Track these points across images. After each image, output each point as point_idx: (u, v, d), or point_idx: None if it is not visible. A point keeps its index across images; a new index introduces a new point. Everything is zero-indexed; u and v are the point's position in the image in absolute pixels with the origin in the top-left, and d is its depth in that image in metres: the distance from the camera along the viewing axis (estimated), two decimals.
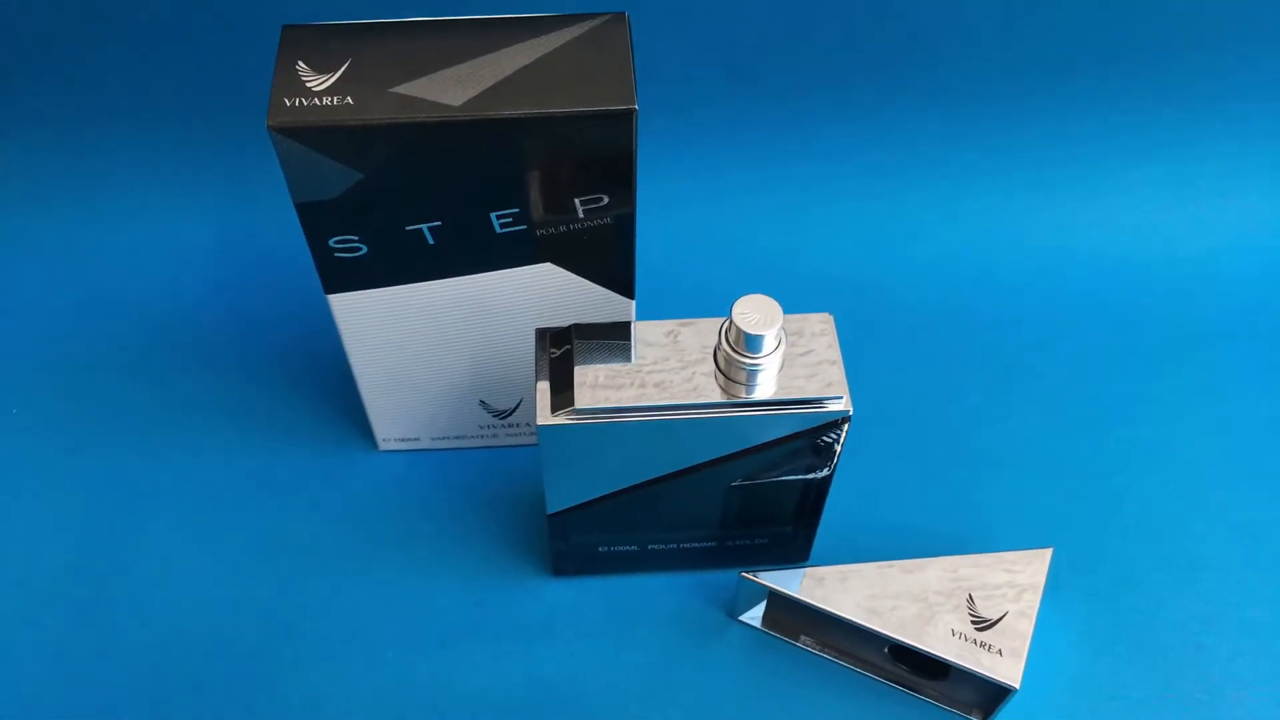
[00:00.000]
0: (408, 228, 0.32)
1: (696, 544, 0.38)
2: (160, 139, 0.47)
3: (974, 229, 0.48)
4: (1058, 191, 0.48)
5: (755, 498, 0.35)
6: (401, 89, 0.30)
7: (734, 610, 0.38)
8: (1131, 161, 0.48)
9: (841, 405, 0.31)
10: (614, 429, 0.31)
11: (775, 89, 0.46)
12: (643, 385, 0.31)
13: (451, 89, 0.30)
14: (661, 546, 0.38)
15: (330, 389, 0.44)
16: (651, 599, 0.38)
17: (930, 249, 0.48)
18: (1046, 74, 0.45)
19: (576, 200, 0.32)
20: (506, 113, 0.30)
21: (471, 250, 0.34)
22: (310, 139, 0.30)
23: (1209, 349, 0.45)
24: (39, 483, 0.41)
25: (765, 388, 0.31)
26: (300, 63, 0.31)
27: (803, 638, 0.37)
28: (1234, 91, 0.46)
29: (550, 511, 0.35)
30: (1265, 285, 0.47)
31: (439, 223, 0.32)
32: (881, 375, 0.44)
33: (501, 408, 0.41)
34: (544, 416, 0.31)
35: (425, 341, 0.37)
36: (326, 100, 0.30)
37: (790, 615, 0.38)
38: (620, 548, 0.38)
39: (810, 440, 0.32)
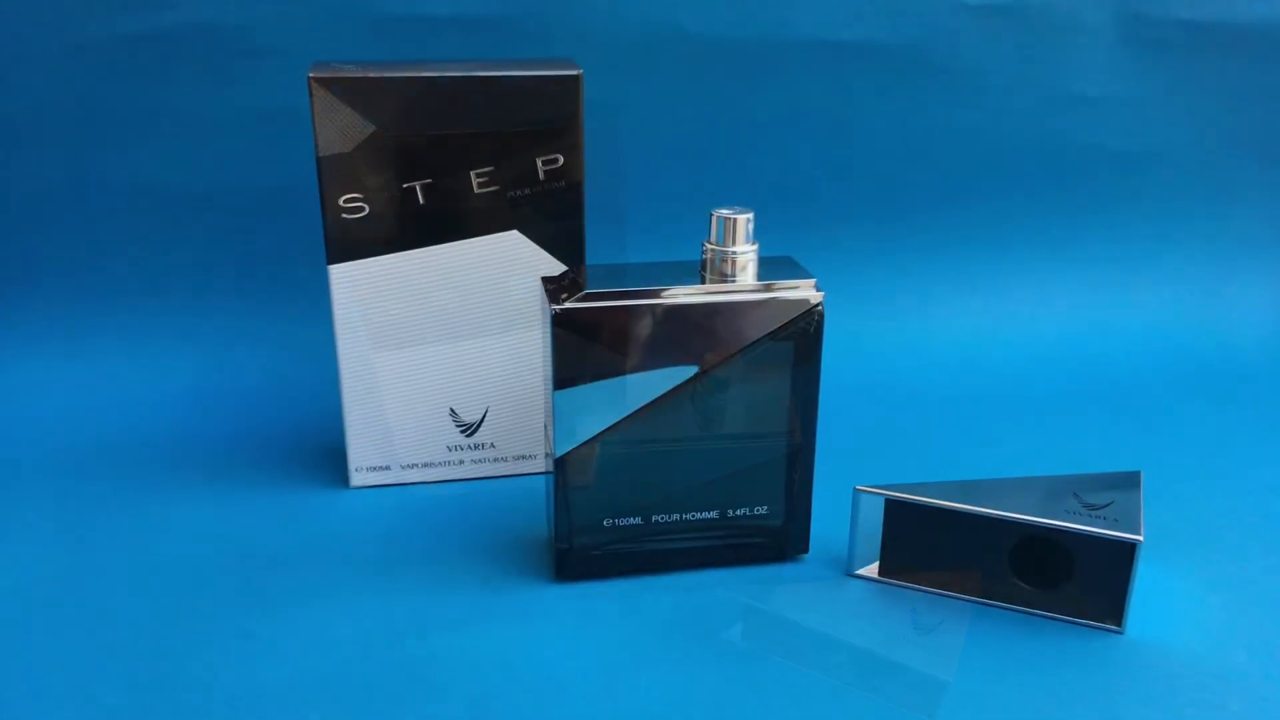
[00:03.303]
0: (404, 185, 0.41)
1: (699, 514, 0.39)
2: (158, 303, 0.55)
3: (913, 323, 0.59)
4: (977, 296, 0.60)
5: (750, 424, 0.38)
6: (408, 71, 0.41)
7: (851, 556, 0.39)
8: (1039, 276, 0.61)
9: (812, 289, 0.37)
10: (618, 317, 0.36)
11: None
12: (641, 283, 0.37)
13: (445, 69, 0.41)
14: (665, 518, 0.39)
15: (299, 454, 0.48)
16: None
17: (880, 338, 0.59)
18: (972, 211, 0.60)
19: (538, 160, 0.42)
20: (485, 73, 0.41)
21: (454, 213, 0.42)
22: (338, 90, 0.40)
23: (1100, 404, 0.55)
24: (66, 536, 0.42)
25: (746, 276, 0.37)
26: (334, 64, 0.42)
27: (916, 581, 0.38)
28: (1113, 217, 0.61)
29: (558, 454, 0.38)
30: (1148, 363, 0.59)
31: (429, 180, 0.41)
32: (841, 422, 0.51)
33: (469, 420, 0.45)
34: (559, 306, 0.35)
35: (408, 318, 0.43)
36: (354, 74, 0.40)
37: (903, 553, 0.39)
38: (626, 520, 0.39)
39: (791, 331, 0.37)
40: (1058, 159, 0.60)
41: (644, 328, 0.37)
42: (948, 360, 0.58)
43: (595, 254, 0.46)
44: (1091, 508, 0.37)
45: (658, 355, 0.37)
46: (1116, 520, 0.37)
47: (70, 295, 0.55)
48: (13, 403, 0.53)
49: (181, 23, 0.51)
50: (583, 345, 0.36)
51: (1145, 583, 0.39)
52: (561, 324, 0.36)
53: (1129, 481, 0.39)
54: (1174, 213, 0.61)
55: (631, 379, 0.37)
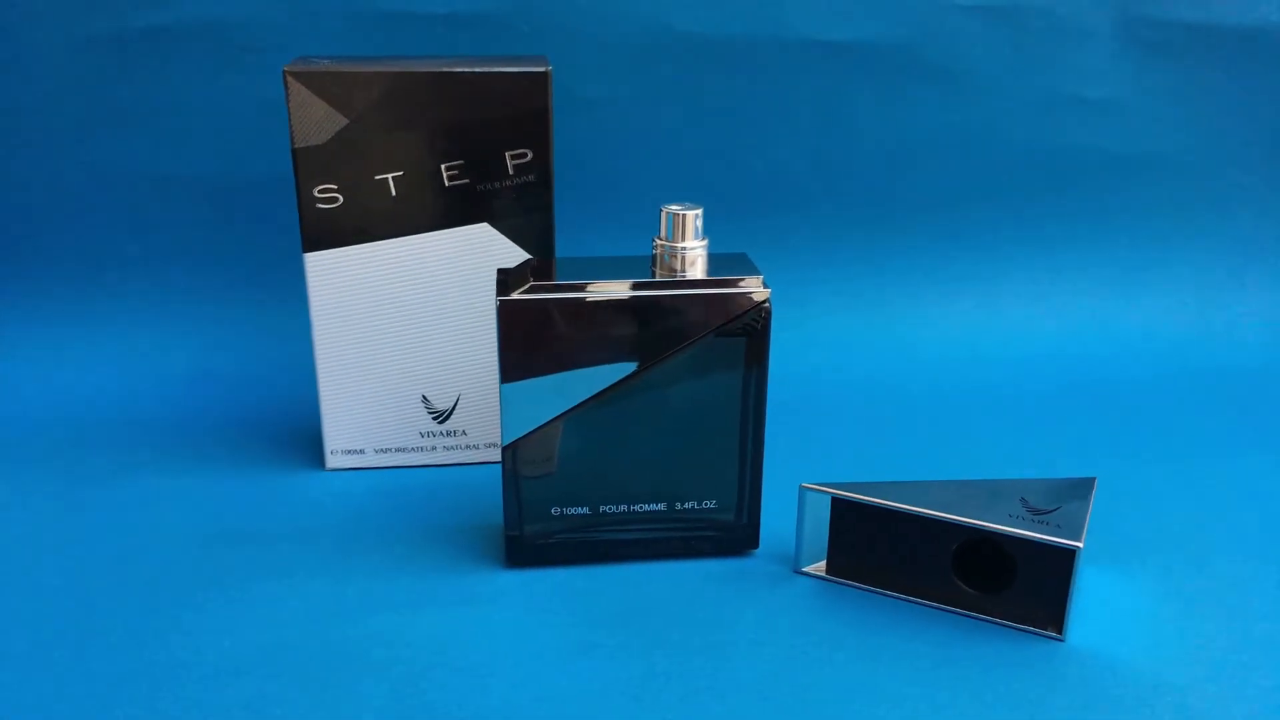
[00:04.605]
0: (376, 177, 0.42)
1: (646, 506, 0.39)
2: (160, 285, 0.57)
3: (902, 324, 0.60)
4: (969, 298, 0.60)
5: (697, 419, 0.38)
6: (380, 66, 0.42)
7: (798, 553, 0.39)
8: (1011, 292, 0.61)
9: (759, 285, 0.37)
10: (563, 310, 0.36)
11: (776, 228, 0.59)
12: (592, 276, 0.37)
13: (417, 64, 0.42)
14: (612, 508, 0.40)
15: (282, 436, 0.49)
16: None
17: (869, 339, 0.59)
18: (966, 214, 0.59)
19: (507, 155, 0.43)
20: (455, 69, 0.42)
21: (424, 205, 0.43)
22: (311, 83, 0.41)
23: (1089, 410, 0.54)
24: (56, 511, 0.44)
25: (695, 271, 0.38)
26: (313, 58, 0.43)
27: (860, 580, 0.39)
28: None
29: (505, 443, 0.38)
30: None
31: (401, 173, 0.42)
32: (822, 422, 0.52)
33: (441, 407, 0.46)
34: (505, 298, 0.36)
35: (381, 306, 0.44)
36: (327, 68, 0.41)
37: (850, 552, 0.39)
38: (573, 510, 0.39)
39: (738, 326, 0.37)
40: (1055, 161, 0.59)
41: (590, 321, 0.37)
42: (936, 362, 0.58)
43: (570, 248, 0.47)
44: (1036, 512, 0.37)
45: (604, 348, 0.37)
46: (1059, 526, 0.36)
47: (73, 278, 0.57)
48: (13, 380, 0.55)
49: (187, 18, 0.53)
50: (528, 337, 0.37)
51: (1099, 591, 0.39)
52: (507, 315, 0.37)
53: (1081, 488, 0.39)
54: (1175, 217, 0.60)
55: (578, 371, 0.37)
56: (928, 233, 0.60)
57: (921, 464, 0.48)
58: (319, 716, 0.33)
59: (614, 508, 0.40)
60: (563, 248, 0.48)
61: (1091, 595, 0.39)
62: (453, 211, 0.44)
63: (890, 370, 0.58)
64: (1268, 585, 0.39)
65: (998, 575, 0.37)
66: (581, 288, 0.37)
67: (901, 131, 0.58)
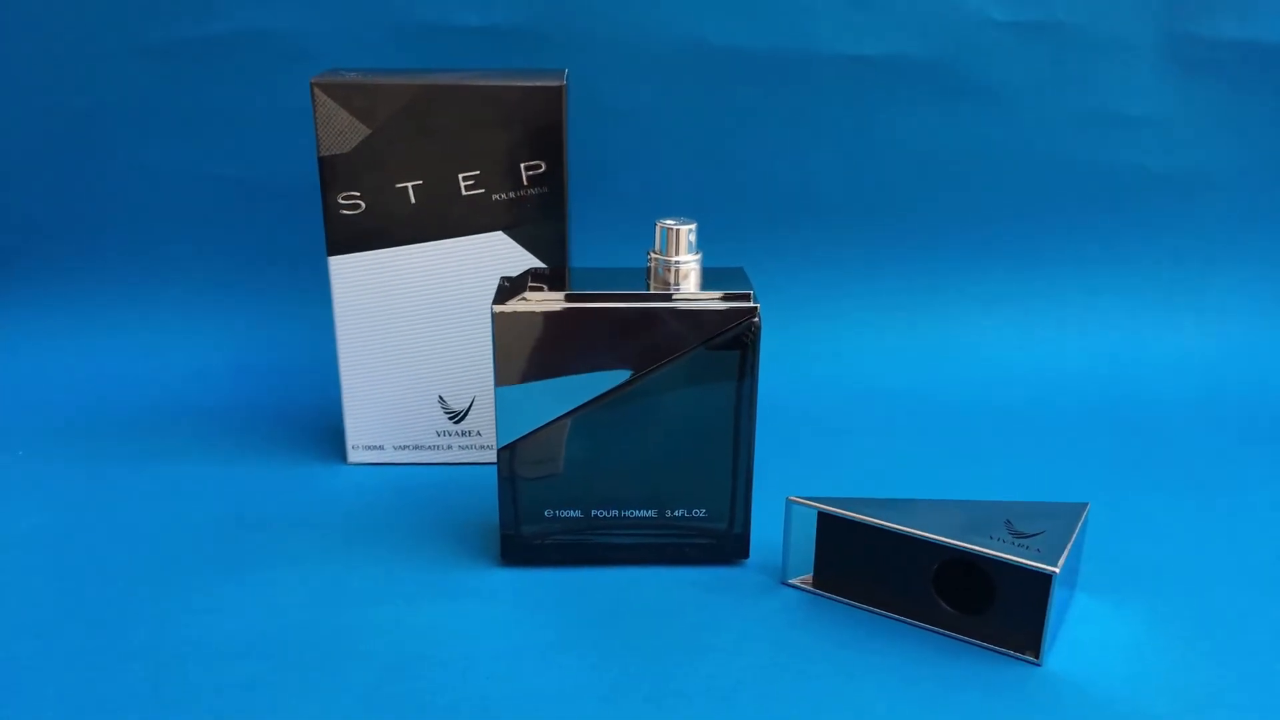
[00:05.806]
0: (397, 185, 0.44)
1: (636, 512, 0.41)
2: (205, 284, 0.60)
3: (932, 340, 0.60)
4: (1002, 317, 0.60)
5: (688, 429, 0.39)
6: (402, 78, 0.44)
7: (785, 565, 0.40)
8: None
9: (749, 301, 0.38)
10: (555, 319, 0.38)
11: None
12: (588, 287, 0.39)
13: (437, 77, 0.44)
14: (603, 513, 0.41)
15: (310, 429, 0.52)
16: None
17: (900, 354, 0.59)
18: (1001, 231, 0.59)
19: (522, 165, 0.44)
20: (474, 83, 0.43)
21: (442, 213, 0.45)
22: (336, 94, 0.43)
23: (1116, 434, 0.53)
24: (68, 496, 0.47)
25: (688, 285, 0.39)
26: (341, 70, 0.45)
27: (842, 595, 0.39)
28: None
29: (500, 444, 0.40)
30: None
31: (420, 182, 0.44)
32: (839, 435, 0.52)
33: (457, 408, 0.48)
34: (499, 307, 0.38)
35: (400, 310, 0.46)
36: (352, 80, 0.43)
37: (835, 566, 0.39)
38: (565, 512, 0.41)
39: (727, 340, 0.38)
40: (1094, 179, 0.58)
41: (581, 330, 0.38)
42: (964, 380, 0.58)
43: (596, 257, 0.48)
44: (1019, 535, 0.37)
45: (596, 357, 0.39)
46: (1039, 550, 0.36)
47: (114, 275, 0.60)
48: (53, 367, 0.59)
49: (235, 30, 0.56)
50: (523, 343, 0.38)
51: (1087, 618, 0.39)
52: (501, 323, 0.38)
53: (1070, 513, 0.39)
54: (1222, 238, 0.58)
55: (570, 379, 0.39)
56: (961, 250, 0.60)
57: (935, 482, 0.48)
58: (304, 701, 0.34)
59: (605, 512, 0.41)
60: (590, 257, 0.50)
61: (1079, 622, 0.38)
62: (469, 220, 0.45)
63: (919, 386, 0.57)
64: (1262, 623, 0.38)
65: (978, 596, 0.38)
66: (573, 298, 0.38)
67: (935, 147, 0.58)
